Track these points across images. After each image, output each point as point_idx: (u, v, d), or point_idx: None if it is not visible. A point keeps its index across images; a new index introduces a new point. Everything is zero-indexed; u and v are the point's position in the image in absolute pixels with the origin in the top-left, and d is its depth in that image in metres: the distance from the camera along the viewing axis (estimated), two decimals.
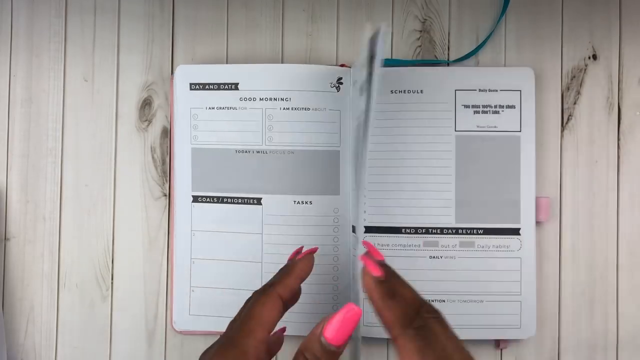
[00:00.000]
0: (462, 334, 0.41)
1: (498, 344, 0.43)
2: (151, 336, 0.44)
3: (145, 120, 0.45)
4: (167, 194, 0.44)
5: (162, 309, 0.44)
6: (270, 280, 0.30)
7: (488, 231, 0.42)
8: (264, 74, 0.43)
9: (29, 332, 0.44)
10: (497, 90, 0.43)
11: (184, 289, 0.43)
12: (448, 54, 0.45)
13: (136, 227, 0.44)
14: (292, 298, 0.30)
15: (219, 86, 0.43)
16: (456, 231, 0.42)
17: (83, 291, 0.44)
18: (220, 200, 0.43)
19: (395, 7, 0.45)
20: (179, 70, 0.43)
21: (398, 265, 0.42)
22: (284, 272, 0.30)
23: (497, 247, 0.42)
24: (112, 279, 0.44)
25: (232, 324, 0.28)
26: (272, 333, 0.28)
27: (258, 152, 0.43)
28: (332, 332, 0.24)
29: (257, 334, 0.26)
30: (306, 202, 0.42)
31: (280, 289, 0.29)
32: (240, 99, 0.43)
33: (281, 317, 0.28)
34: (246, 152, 0.43)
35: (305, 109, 0.43)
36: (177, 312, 0.43)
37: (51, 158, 0.44)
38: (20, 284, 0.44)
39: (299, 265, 0.30)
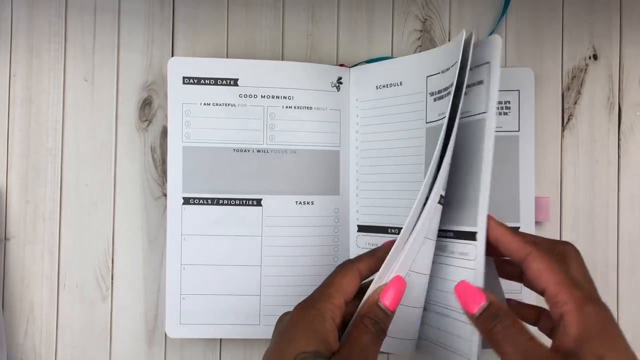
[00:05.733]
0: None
1: None
2: (151, 336, 0.44)
3: (145, 120, 0.45)
4: (167, 194, 0.44)
5: (162, 309, 0.44)
6: (353, 258, 0.33)
7: None
8: (266, 70, 0.42)
9: (29, 332, 0.44)
10: None
11: (174, 297, 0.41)
12: None
13: (136, 227, 0.44)
14: (368, 276, 0.32)
15: (215, 81, 0.42)
16: None
17: (83, 291, 0.44)
18: (215, 202, 0.42)
19: (395, 7, 0.45)
20: (172, 62, 0.42)
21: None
22: (366, 253, 0.33)
23: None
24: (112, 279, 0.44)
25: (315, 290, 0.31)
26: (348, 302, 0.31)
27: (259, 151, 0.42)
28: (389, 299, 0.30)
29: (334, 299, 0.29)
30: (308, 203, 0.42)
31: (361, 265, 0.31)
32: (240, 96, 0.42)
33: (357, 290, 0.31)
34: (246, 151, 0.42)
35: (307, 107, 0.42)
36: (169, 320, 0.41)
37: (51, 158, 0.44)
38: (20, 284, 0.44)
39: (381, 248, 0.33)
